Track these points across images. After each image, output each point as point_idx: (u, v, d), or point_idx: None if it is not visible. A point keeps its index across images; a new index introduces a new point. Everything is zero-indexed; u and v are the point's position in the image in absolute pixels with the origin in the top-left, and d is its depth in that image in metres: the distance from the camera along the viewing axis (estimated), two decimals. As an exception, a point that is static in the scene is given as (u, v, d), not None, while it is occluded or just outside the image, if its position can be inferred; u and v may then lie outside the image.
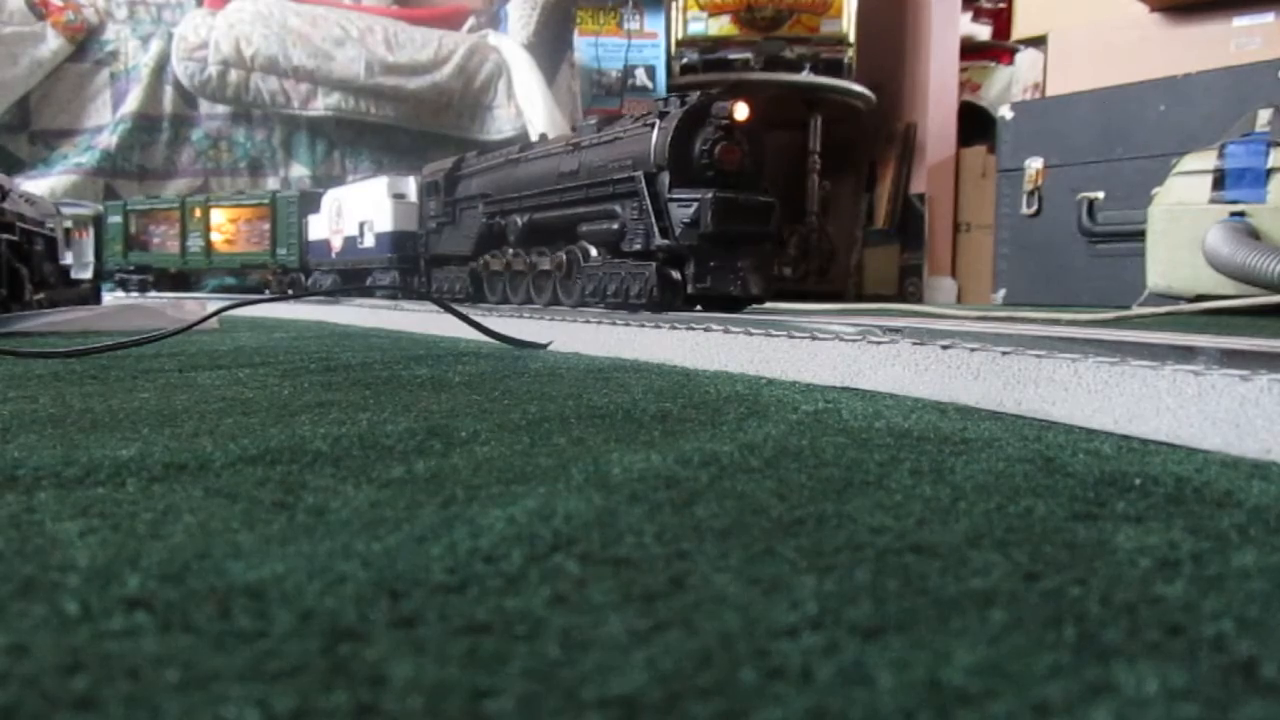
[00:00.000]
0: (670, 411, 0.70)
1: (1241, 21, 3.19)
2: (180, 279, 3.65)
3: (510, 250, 1.85)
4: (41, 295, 2.15)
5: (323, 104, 3.71)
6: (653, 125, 1.41)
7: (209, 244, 3.41)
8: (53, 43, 3.71)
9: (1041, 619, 0.29)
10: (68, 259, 3.56)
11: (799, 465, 0.51)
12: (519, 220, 1.77)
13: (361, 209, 2.69)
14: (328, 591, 0.30)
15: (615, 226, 1.47)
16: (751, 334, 1.09)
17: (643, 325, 1.30)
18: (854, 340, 0.96)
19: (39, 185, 3.42)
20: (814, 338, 1.01)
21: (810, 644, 0.27)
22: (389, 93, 3.69)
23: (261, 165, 3.88)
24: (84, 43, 3.79)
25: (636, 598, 0.30)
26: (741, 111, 1.35)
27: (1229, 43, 3.20)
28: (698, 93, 1.45)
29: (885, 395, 0.82)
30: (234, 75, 3.65)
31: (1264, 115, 2.40)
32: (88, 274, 3.62)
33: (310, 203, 3.07)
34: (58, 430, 0.61)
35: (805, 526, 0.39)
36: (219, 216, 3.41)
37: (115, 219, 3.64)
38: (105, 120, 3.78)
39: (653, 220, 1.34)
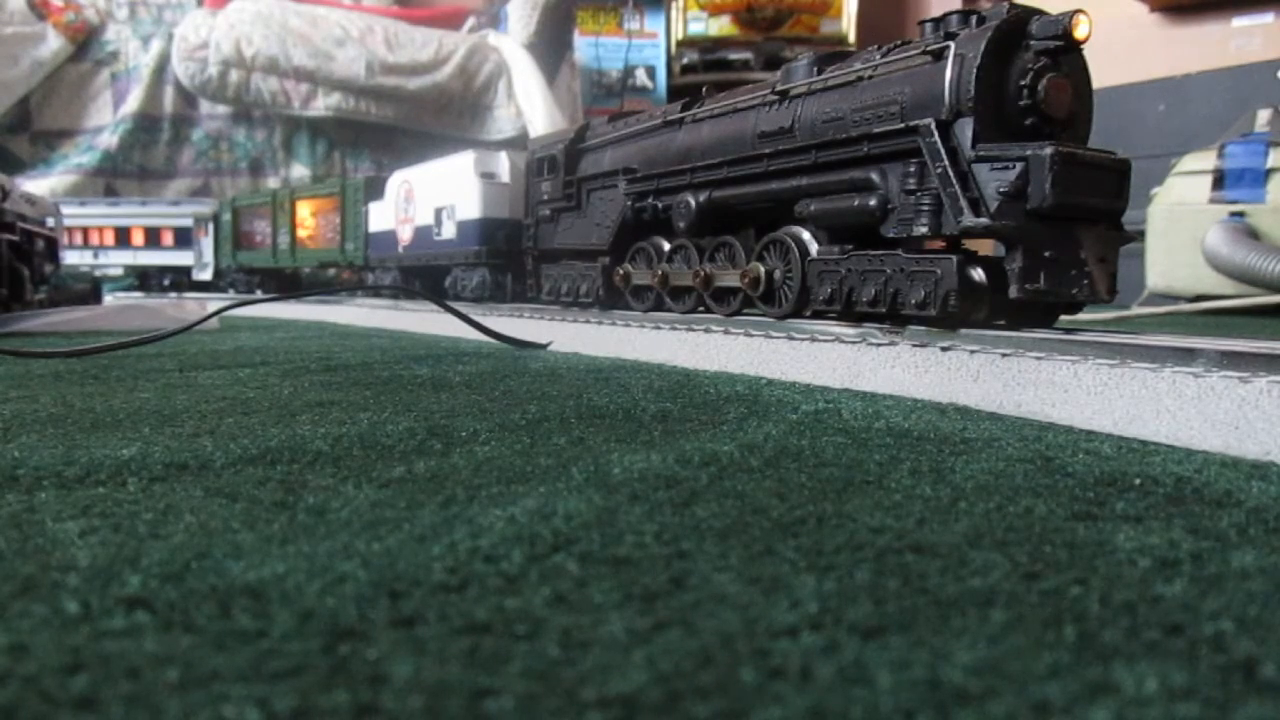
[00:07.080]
0: (670, 411, 0.70)
1: (1241, 21, 3.20)
2: (293, 280, 3.34)
3: (675, 242, 1.41)
4: (42, 295, 2.15)
5: (323, 104, 3.71)
6: (939, 53, 0.99)
7: (295, 240, 3.11)
8: (53, 43, 3.71)
9: (1041, 619, 0.29)
10: (180, 259, 3.45)
11: (799, 465, 0.51)
12: (691, 200, 1.34)
13: (439, 192, 2.22)
14: (328, 591, 0.30)
15: (871, 203, 1.05)
16: (751, 335, 1.09)
17: (643, 325, 1.30)
18: (854, 342, 0.97)
19: (39, 185, 3.42)
20: (814, 339, 1.01)
21: (810, 644, 0.27)
22: (389, 93, 3.69)
23: (262, 165, 3.88)
24: (85, 43, 3.79)
25: (636, 598, 0.30)
26: (1083, 28, 0.96)
27: (1229, 43, 3.20)
28: (1002, 3, 1.00)
29: (885, 396, 0.82)
30: (234, 75, 3.65)
31: (1264, 115, 2.40)
32: (208, 275, 3.59)
33: (375, 189, 2.64)
34: (58, 430, 0.61)
35: (805, 526, 0.39)
36: (302, 210, 3.09)
37: (225, 216, 3.49)
38: (106, 120, 3.78)
39: (956, 189, 0.93)
